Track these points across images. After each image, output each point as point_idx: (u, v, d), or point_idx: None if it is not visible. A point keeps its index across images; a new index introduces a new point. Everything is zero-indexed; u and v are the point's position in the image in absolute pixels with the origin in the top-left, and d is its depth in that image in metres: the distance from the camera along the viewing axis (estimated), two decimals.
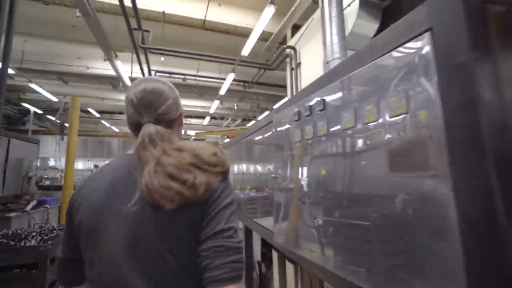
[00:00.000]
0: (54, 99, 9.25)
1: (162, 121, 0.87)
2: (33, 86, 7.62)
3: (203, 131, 12.65)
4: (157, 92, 0.88)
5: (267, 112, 11.79)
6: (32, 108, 11.15)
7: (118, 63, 5.65)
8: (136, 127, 0.86)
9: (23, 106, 11.25)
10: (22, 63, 7.23)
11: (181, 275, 0.76)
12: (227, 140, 9.54)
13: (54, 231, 2.75)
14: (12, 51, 7.13)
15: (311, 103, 1.22)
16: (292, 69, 5.12)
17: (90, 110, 11.45)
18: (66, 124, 11.40)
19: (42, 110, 12.10)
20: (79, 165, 14.25)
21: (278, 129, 1.66)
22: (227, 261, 0.73)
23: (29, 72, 7.74)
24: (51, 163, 14.20)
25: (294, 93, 5.00)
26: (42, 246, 2.16)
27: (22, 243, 2.21)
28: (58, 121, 8.74)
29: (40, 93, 9.22)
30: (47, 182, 7.57)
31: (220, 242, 0.75)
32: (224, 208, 0.80)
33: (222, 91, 7.58)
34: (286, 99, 9.10)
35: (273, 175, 1.64)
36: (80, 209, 0.83)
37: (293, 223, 1.42)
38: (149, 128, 0.82)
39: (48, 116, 13.00)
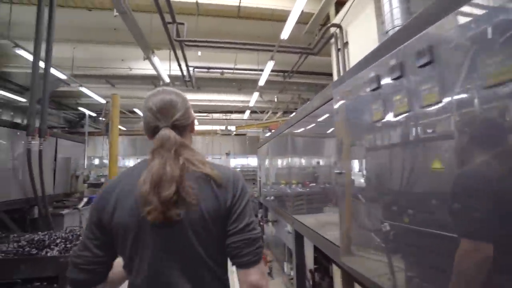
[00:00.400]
0: (103, 101, 9.77)
1: (177, 126, 0.99)
2: (84, 89, 8.10)
3: (244, 125, 12.44)
4: (173, 102, 1.01)
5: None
6: (87, 112, 12.00)
7: (156, 60, 5.64)
8: (153, 131, 0.99)
9: (80, 110, 12.15)
10: (73, 69, 7.66)
11: (214, 268, 0.93)
12: (268, 134, 9.19)
13: (80, 237, 2.68)
14: (63, 58, 7.67)
15: (403, 58, 0.79)
16: (338, 50, 4.57)
17: (136, 110, 11.97)
18: (89, 112, 12.03)
19: (95, 113, 12.99)
20: (131, 162, 15.15)
21: (342, 106, 1.24)
22: (253, 249, 0.93)
23: (81, 77, 8.21)
24: (106, 161, 15.30)
25: None
26: (62, 257, 1.99)
27: (44, 252, 2.08)
28: (104, 120, 9.26)
29: (92, 97, 9.83)
30: (103, 179, 7.99)
31: (248, 235, 0.93)
32: (246, 205, 0.97)
33: (262, 82, 7.23)
34: None
35: (338, 171, 1.23)
36: (116, 212, 0.91)
37: (379, 251, 1.01)
38: (166, 132, 0.96)
39: (101, 118, 13.93)
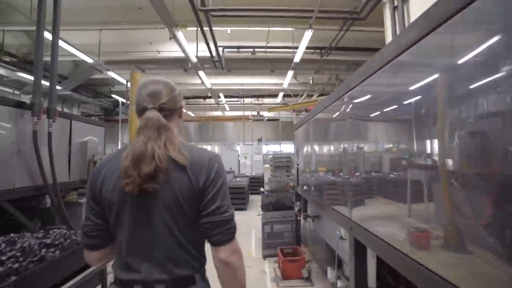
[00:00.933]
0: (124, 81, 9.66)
1: (163, 109, 1.10)
2: (111, 74, 7.93)
3: (276, 106, 11.72)
4: (162, 86, 1.13)
5: None
6: (120, 99, 12.11)
7: (181, 36, 5.16)
8: (142, 112, 1.10)
9: (114, 98, 12.31)
10: (102, 55, 7.51)
11: (184, 243, 1.03)
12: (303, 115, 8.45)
13: (66, 240, 2.35)
14: (91, 44, 7.54)
15: None
16: (394, 8, 3.71)
17: None
18: (122, 99, 11.94)
19: (128, 100, 13.11)
20: None
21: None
22: (223, 230, 1.03)
23: (111, 64, 8.08)
24: None
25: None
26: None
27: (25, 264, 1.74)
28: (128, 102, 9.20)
29: (123, 83, 9.78)
30: None
31: (218, 218, 1.03)
32: (219, 189, 1.06)
33: (297, 58, 6.49)
34: None
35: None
36: (103, 187, 1.05)
37: None
38: (151, 113, 1.07)
39: (127, 102, 14.12)
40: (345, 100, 2.08)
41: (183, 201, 1.00)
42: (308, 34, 5.11)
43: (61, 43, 5.49)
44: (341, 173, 2.14)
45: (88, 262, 1.17)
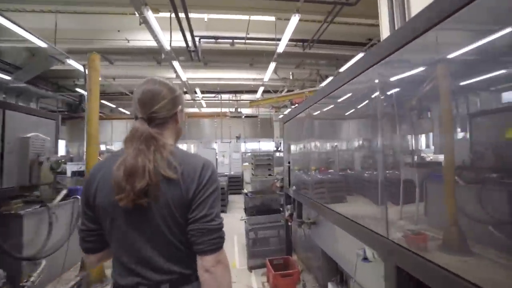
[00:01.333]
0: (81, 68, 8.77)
1: (154, 118, 1.07)
2: (74, 64, 7.06)
3: (259, 99, 11.26)
4: (155, 93, 1.08)
5: (330, 78, 9.97)
6: (86, 93, 11.07)
7: (152, 19, 4.55)
8: (135, 118, 1.08)
9: (79, 92, 11.25)
10: (60, 43, 6.64)
11: (180, 246, 1.03)
12: (288, 111, 8.06)
13: None
14: (48, 30, 6.65)
15: None
16: None
17: None
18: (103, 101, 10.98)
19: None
20: None
21: None
22: (208, 239, 1.00)
23: (73, 53, 7.20)
24: (108, 147, 14.59)
25: (394, 29, 3.31)
26: None
27: None
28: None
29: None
30: None
31: (204, 226, 1.00)
32: (208, 196, 1.03)
33: (281, 47, 6.08)
34: (359, 55, 7.21)
35: None
36: (97, 194, 1.04)
37: None
38: (137, 124, 1.05)
39: (103, 101, 13.07)
40: (342, 90, 1.67)
41: (174, 209, 1.00)
42: (294, 19, 4.72)
43: (8, 23, 4.69)
44: (366, 172, 1.69)
45: (88, 264, 1.11)
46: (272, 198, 4.17)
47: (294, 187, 3.01)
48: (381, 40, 3.74)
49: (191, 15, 5.76)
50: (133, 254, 1.01)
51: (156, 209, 0.98)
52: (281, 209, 3.93)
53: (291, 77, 10.69)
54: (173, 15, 5.46)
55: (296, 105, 7.65)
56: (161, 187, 0.97)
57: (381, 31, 3.86)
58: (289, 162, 3.02)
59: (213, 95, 13.17)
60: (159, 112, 1.06)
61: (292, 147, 3.07)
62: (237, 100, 14.06)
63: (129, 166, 0.95)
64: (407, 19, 3.20)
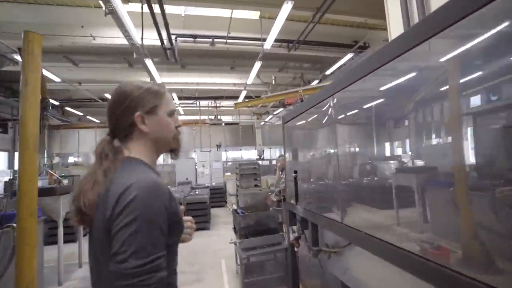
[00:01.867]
0: (57, 79, 7.81)
1: (117, 134, 0.98)
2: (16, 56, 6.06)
3: (246, 101, 10.66)
4: (110, 103, 0.98)
5: (315, 82, 9.61)
6: (52, 101, 9.90)
7: (120, 8, 3.83)
8: None
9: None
10: (12, 38, 5.69)
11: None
12: (270, 118, 7.49)
13: None
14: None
15: None
16: None
17: (108, 96, 10.02)
18: (52, 101, 9.87)
19: (59, 101, 10.94)
20: None
21: None
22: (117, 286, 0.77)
23: None
24: (75, 159, 13.33)
25: (405, 28, 2.88)
26: None
27: None
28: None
29: (54, 81, 7.79)
30: (65, 181, 6.16)
31: (113, 267, 0.77)
32: (123, 227, 0.79)
33: (268, 44, 5.58)
34: (347, 57, 6.77)
35: None
36: None
37: None
38: (101, 139, 1.00)
39: (68, 108, 11.91)
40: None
41: (99, 239, 0.87)
42: (287, 7, 4.19)
43: None
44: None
45: None
46: (268, 215, 3.47)
47: (304, 204, 2.36)
48: (389, 39, 3.29)
49: (167, 8, 5.10)
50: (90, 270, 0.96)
51: (94, 232, 0.90)
52: (278, 228, 3.26)
53: (273, 82, 10.27)
54: (145, 7, 4.77)
55: (290, 106, 7.08)
56: (91, 207, 0.86)
57: (388, 29, 3.39)
58: (295, 172, 2.39)
59: (191, 101, 12.43)
60: (115, 125, 0.96)
61: (298, 153, 2.44)
62: (216, 107, 13.40)
63: (79, 185, 0.93)
64: (426, 14, 2.74)
